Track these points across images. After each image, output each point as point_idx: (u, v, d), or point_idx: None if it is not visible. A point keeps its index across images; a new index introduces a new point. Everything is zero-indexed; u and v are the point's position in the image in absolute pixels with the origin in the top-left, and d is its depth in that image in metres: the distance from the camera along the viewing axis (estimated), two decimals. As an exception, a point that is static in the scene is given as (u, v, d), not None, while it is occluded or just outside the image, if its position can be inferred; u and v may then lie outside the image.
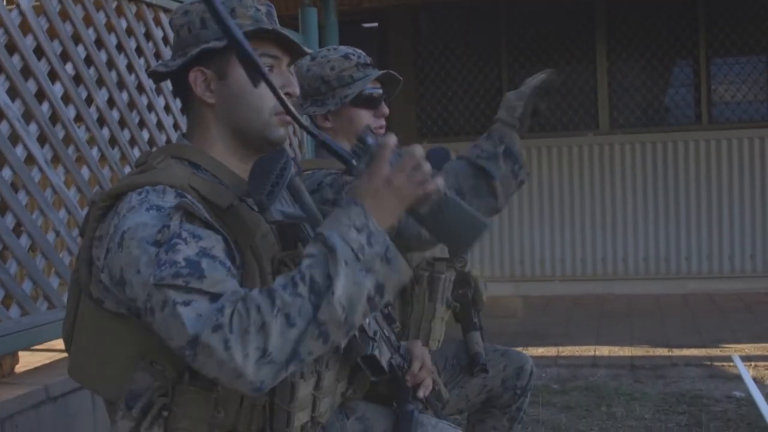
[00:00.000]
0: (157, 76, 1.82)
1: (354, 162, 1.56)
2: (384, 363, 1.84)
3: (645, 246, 7.54)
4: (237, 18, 1.70)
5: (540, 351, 5.57)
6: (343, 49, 2.56)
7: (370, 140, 1.55)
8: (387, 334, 1.89)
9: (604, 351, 5.51)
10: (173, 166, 1.66)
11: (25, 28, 2.99)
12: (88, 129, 3.30)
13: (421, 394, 2.01)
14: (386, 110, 2.56)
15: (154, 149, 1.82)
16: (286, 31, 1.72)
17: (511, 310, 7.03)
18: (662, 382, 4.91)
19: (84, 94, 3.30)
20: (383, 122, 2.57)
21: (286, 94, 1.67)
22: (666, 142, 7.46)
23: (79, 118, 3.26)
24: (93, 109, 3.35)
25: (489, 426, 2.81)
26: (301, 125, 1.58)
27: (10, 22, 2.92)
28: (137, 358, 1.60)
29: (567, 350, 5.59)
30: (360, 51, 2.57)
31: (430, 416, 2.03)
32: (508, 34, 7.82)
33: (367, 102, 2.51)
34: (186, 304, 1.41)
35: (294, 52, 1.77)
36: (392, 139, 1.52)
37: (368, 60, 2.55)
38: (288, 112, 1.52)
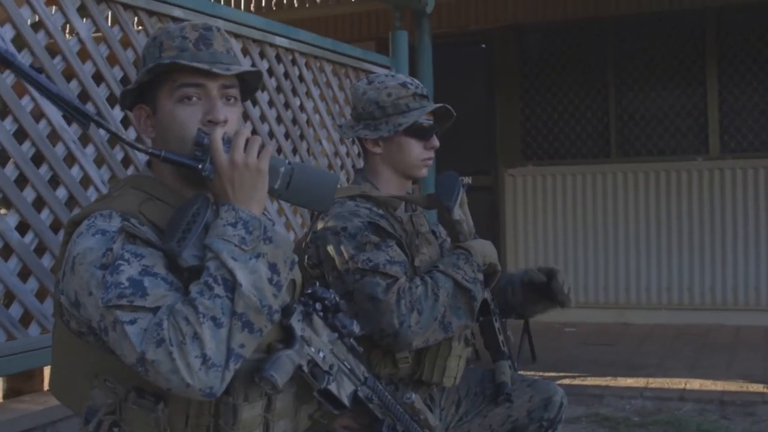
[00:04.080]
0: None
1: (200, 166, 1.64)
2: (344, 396, 1.84)
3: (756, 275, 7.20)
4: (165, 51, 1.73)
5: (628, 381, 5.43)
6: (402, 77, 2.61)
7: (206, 140, 1.65)
8: (349, 367, 1.88)
9: (695, 384, 5.30)
10: (128, 194, 1.72)
11: (84, 55, 3.14)
12: (135, 150, 3.42)
13: None
14: (437, 143, 2.59)
15: (119, 180, 1.89)
16: (204, 61, 1.71)
17: (611, 338, 6.86)
18: (750, 419, 4.68)
19: (145, 118, 3.43)
20: (432, 154, 2.61)
21: (209, 121, 1.70)
22: (781, 167, 7.14)
23: (139, 140, 3.39)
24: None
25: (514, 457, 2.75)
26: (131, 145, 1.68)
27: (68, 50, 3.07)
28: (93, 376, 1.68)
29: (656, 382, 5.40)
30: (418, 81, 2.62)
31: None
32: (616, 55, 7.65)
33: (420, 133, 2.56)
34: (132, 322, 1.49)
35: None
36: (217, 132, 1.64)
37: (425, 91, 2.60)
38: (98, 125, 1.64)
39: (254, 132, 3.98)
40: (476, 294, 2.37)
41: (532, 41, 8.00)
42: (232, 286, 1.50)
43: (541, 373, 5.20)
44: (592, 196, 7.62)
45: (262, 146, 1.66)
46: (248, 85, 1.86)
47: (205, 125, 1.70)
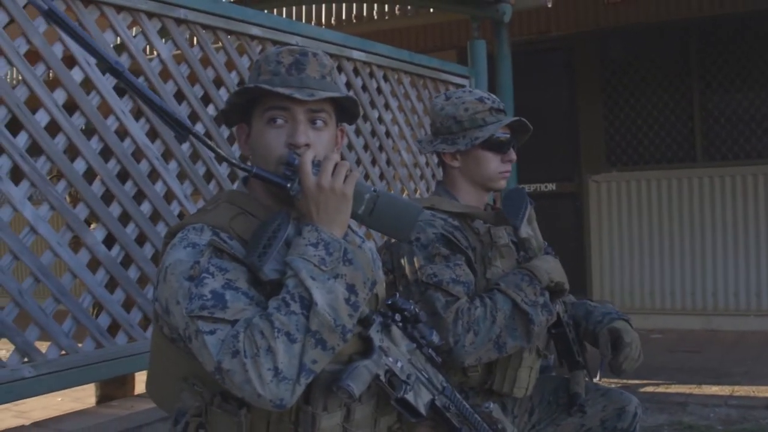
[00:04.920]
0: None
1: (289, 185, 1.71)
2: (421, 405, 1.86)
3: None
4: (261, 74, 1.81)
5: (713, 389, 5.34)
6: (478, 92, 2.67)
7: (296, 161, 1.71)
8: (427, 376, 1.90)
9: (783, 392, 5.20)
10: (222, 208, 1.81)
11: (165, 75, 3.26)
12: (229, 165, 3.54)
13: None
14: (514, 156, 2.64)
15: (217, 194, 1.98)
16: (293, 86, 1.77)
17: (698, 345, 6.75)
18: (840, 428, 4.57)
19: (226, 134, 3.54)
20: (509, 167, 2.65)
21: (290, 144, 1.76)
22: None
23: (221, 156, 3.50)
24: (235, 147, 3.58)
25: (587, 466, 2.76)
26: (226, 161, 1.73)
27: (150, 71, 3.21)
28: (182, 380, 1.79)
29: (742, 390, 5.30)
30: (494, 96, 2.68)
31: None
32: (699, 57, 7.54)
33: (496, 146, 2.61)
34: (212, 333, 1.58)
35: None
36: (308, 155, 1.70)
37: (501, 106, 2.65)
38: (203, 143, 1.72)
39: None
40: (534, 317, 2.38)
41: (613, 45, 7.92)
42: (308, 304, 1.57)
43: (624, 381, 5.15)
44: (678, 201, 7.50)
45: (350, 171, 1.71)
46: (347, 109, 1.91)
47: (287, 148, 1.76)
